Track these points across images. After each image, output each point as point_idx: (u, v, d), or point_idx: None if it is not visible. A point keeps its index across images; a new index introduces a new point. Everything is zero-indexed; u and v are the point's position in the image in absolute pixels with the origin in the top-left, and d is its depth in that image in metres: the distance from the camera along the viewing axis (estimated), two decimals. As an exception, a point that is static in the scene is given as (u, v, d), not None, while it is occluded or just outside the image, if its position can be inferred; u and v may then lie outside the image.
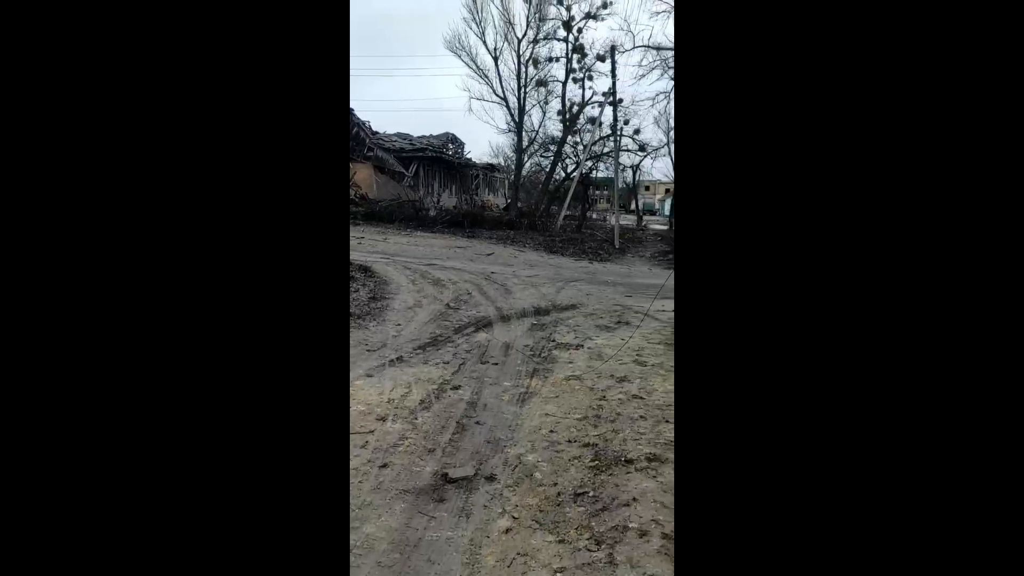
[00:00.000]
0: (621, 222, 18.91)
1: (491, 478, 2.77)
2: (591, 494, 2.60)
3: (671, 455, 2.98)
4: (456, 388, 4.05)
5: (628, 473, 2.80)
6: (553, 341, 5.51)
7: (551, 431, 3.34)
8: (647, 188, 43.36)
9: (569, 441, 3.20)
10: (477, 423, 3.47)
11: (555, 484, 2.70)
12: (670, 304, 6.22)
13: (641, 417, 3.56)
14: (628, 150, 23.90)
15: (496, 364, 4.71)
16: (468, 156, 32.33)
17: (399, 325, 5.92)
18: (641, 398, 3.92)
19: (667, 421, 3.48)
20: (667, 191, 41.43)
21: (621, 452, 3.03)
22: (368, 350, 4.94)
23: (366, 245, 13.78)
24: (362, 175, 25.41)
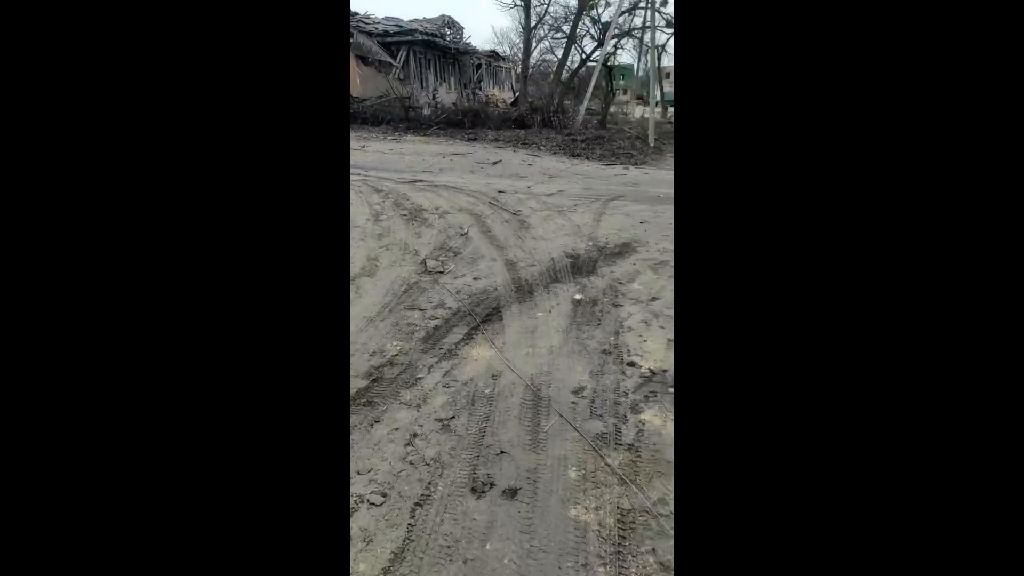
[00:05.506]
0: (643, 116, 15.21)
1: None
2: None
3: None
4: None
5: None
6: (628, 364, 2.67)
7: None
8: (667, 76, 37.36)
9: None
10: None
11: None
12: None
13: None
14: (654, 27, 18.89)
15: (525, 525, 1.89)
16: (468, 42, 27.80)
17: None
18: None
19: None
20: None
21: None
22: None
23: (337, 155, 10.66)
24: (343, 68, 21.56)
